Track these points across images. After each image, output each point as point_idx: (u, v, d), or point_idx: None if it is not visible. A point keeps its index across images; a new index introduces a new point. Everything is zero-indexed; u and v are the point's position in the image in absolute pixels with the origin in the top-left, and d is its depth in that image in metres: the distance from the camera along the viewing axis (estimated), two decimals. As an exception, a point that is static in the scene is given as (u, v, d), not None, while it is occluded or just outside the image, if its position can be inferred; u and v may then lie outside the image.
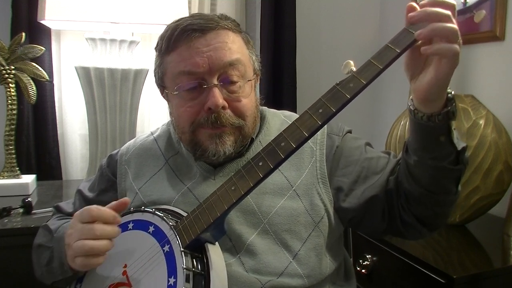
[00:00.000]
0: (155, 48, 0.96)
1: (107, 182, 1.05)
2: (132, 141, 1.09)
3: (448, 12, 0.69)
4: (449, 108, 0.73)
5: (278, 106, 1.11)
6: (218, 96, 0.86)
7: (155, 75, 0.98)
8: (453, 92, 0.74)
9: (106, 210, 0.81)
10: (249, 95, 0.92)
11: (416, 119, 0.76)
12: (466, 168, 0.81)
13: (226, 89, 0.89)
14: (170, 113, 0.98)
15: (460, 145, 0.77)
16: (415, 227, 0.86)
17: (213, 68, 0.87)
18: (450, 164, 0.77)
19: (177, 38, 0.88)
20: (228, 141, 0.89)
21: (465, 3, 0.74)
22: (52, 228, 0.96)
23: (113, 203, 0.84)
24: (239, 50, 0.91)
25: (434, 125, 0.74)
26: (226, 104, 0.88)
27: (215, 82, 0.88)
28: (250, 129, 0.93)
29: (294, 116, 1.03)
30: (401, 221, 0.86)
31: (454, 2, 0.71)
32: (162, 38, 0.93)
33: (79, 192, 1.08)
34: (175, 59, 0.90)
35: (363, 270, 1.36)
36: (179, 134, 0.96)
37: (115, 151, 1.09)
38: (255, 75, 0.96)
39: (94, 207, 0.81)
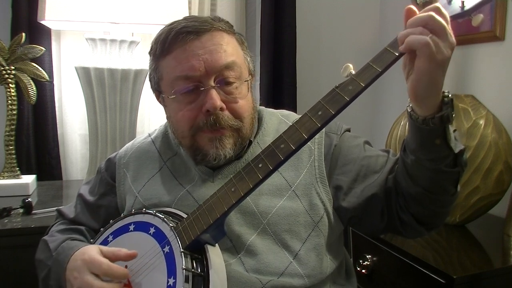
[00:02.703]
0: (149, 52, 0.96)
1: (106, 186, 1.05)
2: (130, 143, 1.09)
3: (427, 14, 0.70)
4: (443, 112, 0.73)
5: (278, 106, 1.11)
6: (215, 98, 0.87)
7: (150, 80, 0.98)
8: (450, 96, 0.74)
9: (116, 270, 0.80)
10: (246, 96, 0.93)
11: (412, 120, 0.76)
12: (465, 170, 0.81)
13: (223, 90, 0.89)
14: (168, 118, 0.98)
15: (457, 147, 0.77)
16: (413, 226, 0.86)
17: (209, 71, 0.87)
18: (447, 166, 0.77)
19: (172, 41, 0.88)
20: (228, 144, 0.89)
21: (463, 7, 0.74)
22: (51, 247, 0.95)
23: (123, 254, 0.82)
24: (234, 52, 0.91)
25: (429, 128, 0.74)
26: (224, 106, 0.88)
27: (212, 84, 0.88)
28: (248, 131, 0.93)
29: (292, 115, 1.03)
30: (399, 220, 0.87)
31: (438, 5, 0.72)
32: (156, 41, 0.92)
33: (80, 196, 1.08)
34: (171, 63, 0.89)
35: (363, 270, 1.36)
36: (179, 139, 0.95)
37: (113, 154, 1.08)
38: (250, 75, 0.96)
39: (105, 263, 0.80)
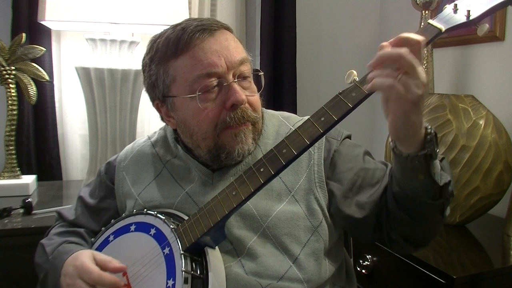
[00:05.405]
0: (151, 58, 0.93)
1: (106, 189, 1.05)
2: (129, 146, 1.08)
3: (397, 52, 0.65)
4: (426, 151, 0.71)
5: (278, 106, 1.11)
6: (240, 91, 0.87)
7: (154, 86, 0.94)
8: (433, 132, 0.71)
9: (106, 279, 0.80)
10: (256, 91, 0.94)
11: (396, 155, 0.75)
12: (450, 200, 0.79)
13: (241, 85, 0.90)
14: (180, 122, 0.93)
15: (443, 180, 0.74)
16: (400, 244, 0.86)
17: (229, 66, 0.88)
18: (431, 199, 0.75)
19: (188, 41, 0.87)
20: (249, 139, 0.90)
21: (468, 16, 0.73)
22: (47, 251, 0.95)
23: (112, 267, 0.82)
24: (242, 48, 0.93)
25: (412, 165, 0.72)
26: (246, 99, 0.89)
27: (233, 79, 0.88)
28: (261, 125, 0.95)
29: (293, 117, 1.02)
30: (387, 237, 0.86)
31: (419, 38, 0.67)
32: (165, 44, 0.90)
33: (81, 198, 1.07)
34: (188, 62, 0.88)
35: (363, 271, 1.36)
36: (197, 142, 0.92)
37: (113, 157, 1.08)
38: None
39: (97, 272, 0.80)
